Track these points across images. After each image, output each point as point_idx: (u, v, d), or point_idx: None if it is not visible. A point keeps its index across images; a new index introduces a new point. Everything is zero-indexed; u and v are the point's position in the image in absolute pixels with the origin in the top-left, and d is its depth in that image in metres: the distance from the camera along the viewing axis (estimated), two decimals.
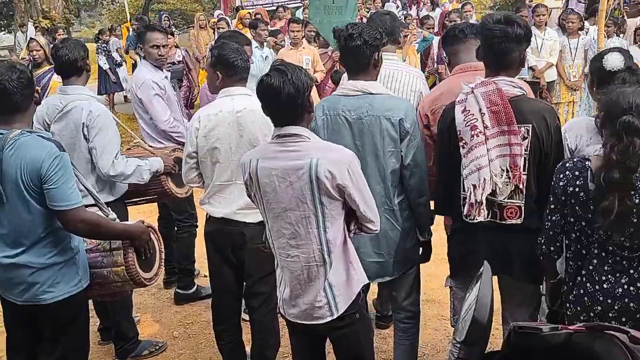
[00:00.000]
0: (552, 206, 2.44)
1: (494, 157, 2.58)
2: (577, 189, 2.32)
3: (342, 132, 2.88)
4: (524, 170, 2.59)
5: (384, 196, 2.90)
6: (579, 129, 2.87)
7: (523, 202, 2.62)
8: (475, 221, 2.66)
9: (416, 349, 3.29)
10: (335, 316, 2.47)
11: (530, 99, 2.67)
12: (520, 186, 2.59)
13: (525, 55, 2.70)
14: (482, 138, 2.57)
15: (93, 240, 2.81)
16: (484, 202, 2.62)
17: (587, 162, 2.34)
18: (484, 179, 2.58)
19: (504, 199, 2.63)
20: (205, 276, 5.15)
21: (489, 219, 2.67)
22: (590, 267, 2.37)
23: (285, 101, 2.32)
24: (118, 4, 27.63)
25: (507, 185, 2.60)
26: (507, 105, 2.54)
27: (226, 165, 3.15)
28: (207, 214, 3.29)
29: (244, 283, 3.33)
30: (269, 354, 3.34)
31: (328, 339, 2.72)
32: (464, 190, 2.67)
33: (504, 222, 2.66)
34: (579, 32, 8.00)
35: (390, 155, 2.86)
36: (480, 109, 2.57)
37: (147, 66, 4.43)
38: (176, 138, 4.37)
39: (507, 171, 2.58)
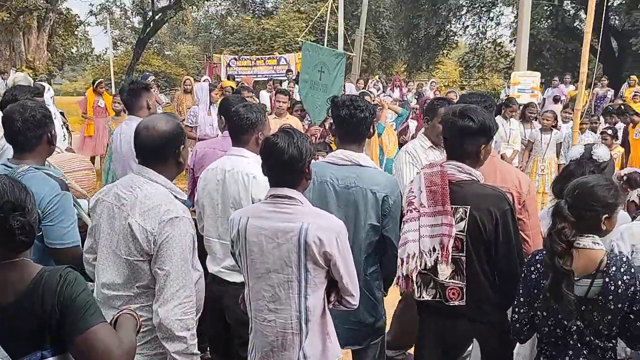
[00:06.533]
0: (522, 299, 2.42)
1: (426, 234, 2.60)
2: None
3: (327, 198, 2.90)
4: (460, 252, 2.58)
5: (359, 266, 2.88)
6: None
7: (464, 283, 2.61)
8: (422, 299, 2.68)
9: None
10: None
11: (481, 185, 2.68)
12: (450, 266, 2.58)
13: (482, 151, 2.67)
14: (416, 214, 2.62)
15: None
16: (413, 278, 2.63)
17: None
18: (408, 254, 2.61)
19: (445, 279, 2.63)
20: None
21: (436, 299, 2.67)
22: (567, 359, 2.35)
23: (287, 162, 2.34)
24: (103, 61, 27.97)
25: (444, 264, 2.59)
26: (445, 187, 2.59)
27: (212, 222, 3.15)
28: None
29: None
30: None
31: None
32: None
33: (447, 303, 2.64)
34: (552, 128, 8.36)
35: (370, 228, 2.87)
36: (419, 187, 2.64)
37: (138, 122, 4.41)
38: None
39: (437, 250, 2.59)
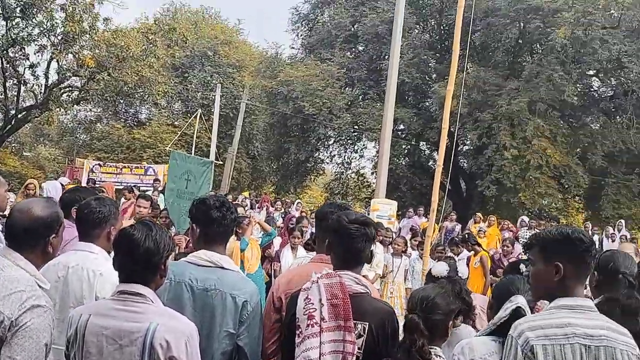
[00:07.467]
0: None
1: (327, 351, 2.51)
2: None
3: (183, 300, 2.73)
4: None
5: None
6: None
7: None
8: None
9: None
10: None
11: (372, 298, 2.71)
12: None
13: (372, 252, 2.79)
14: (317, 329, 2.52)
15: None
16: None
17: None
18: None
19: None
20: None
21: None
22: None
23: (142, 256, 2.22)
24: None
25: None
26: (347, 301, 2.54)
27: None
28: None
29: None
30: None
31: None
32: None
33: None
34: (402, 254, 8.91)
35: (225, 336, 2.72)
36: (320, 299, 2.56)
37: None
38: None
39: None
